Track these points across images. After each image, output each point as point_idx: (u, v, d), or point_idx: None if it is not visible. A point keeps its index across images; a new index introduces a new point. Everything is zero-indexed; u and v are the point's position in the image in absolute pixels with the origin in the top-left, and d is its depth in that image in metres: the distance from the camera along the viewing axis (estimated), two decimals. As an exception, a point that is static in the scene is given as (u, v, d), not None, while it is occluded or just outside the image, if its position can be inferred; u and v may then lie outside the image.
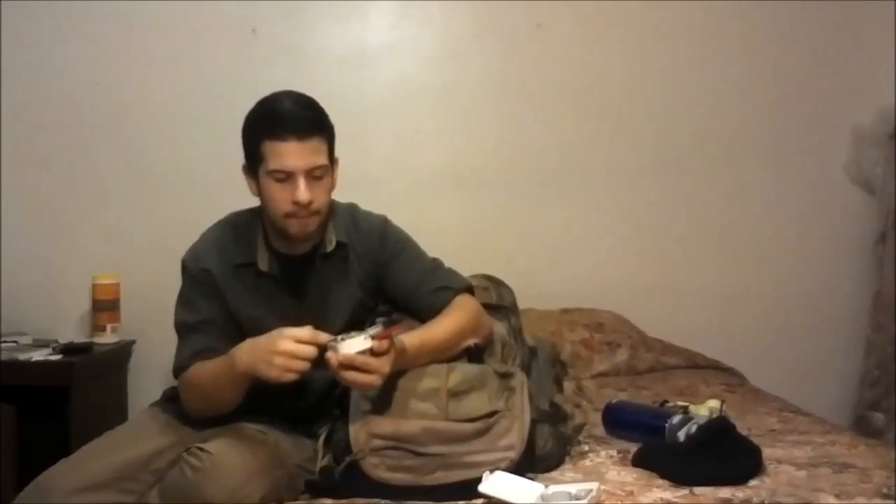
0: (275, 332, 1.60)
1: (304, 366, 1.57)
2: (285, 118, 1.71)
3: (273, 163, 1.71)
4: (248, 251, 1.83)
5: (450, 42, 3.00)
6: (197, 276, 1.82)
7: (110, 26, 2.87)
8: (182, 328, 1.83)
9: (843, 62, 3.04)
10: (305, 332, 1.59)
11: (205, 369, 1.73)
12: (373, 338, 1.57)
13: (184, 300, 1.85)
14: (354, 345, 1.56)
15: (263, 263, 1.82)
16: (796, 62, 3.04)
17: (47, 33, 2.86)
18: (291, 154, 1.69)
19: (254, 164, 1.76)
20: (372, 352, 1.57)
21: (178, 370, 1.79)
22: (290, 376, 1.57)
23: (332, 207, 1.87)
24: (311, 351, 1.57)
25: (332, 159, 1.79)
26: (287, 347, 1.56)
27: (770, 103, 3.05)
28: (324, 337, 1.59)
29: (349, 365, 1.56)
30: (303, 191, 1.70)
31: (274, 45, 2.91)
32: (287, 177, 1.71)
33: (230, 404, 1.71)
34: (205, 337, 1.79)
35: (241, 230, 1.86)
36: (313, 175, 1.72)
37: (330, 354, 1.57)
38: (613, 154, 3.02)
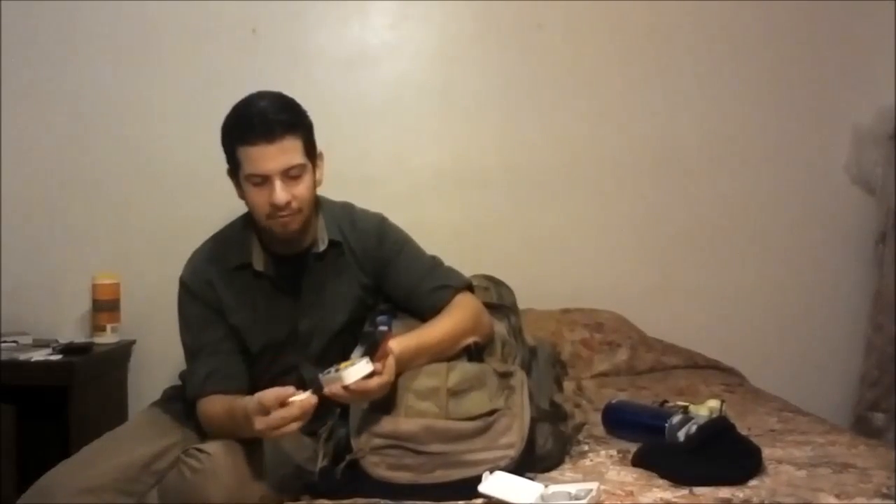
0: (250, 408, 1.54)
1: (294, 426, 1.52)
2: (253, 123, 1.71)
3: (248, 167, 1.72)
4: (243, 254, 1.83)
5: (450, 42, 2.99)
6: (199, 293, 1.82)
7: (110, 26, 2.87)
8: (189, 351, 1.83)
9: (843, 62, 3.04)
10: (269, 396, 1.53)
11: (216, 410, 1.70)
12: (370, 356, 1.56)
13: (188, 322, 1.84)
14: (356, 371, 1.53)
15: (259, 264, 1.82)
16: (796, 62, 3.04)
17: (47, 33, 2.86)
18: (263, 158, 1.70)
19: (234, 168, 1.77)
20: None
21: (194, 396, 1.78)
22: (289, 430, 1.53)
23: (324, 206, 1.87)
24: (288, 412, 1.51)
25: (313, 155, 1.79)
26: (262, 426, 1.52)
27: (770, 103, 3.04)
28: (288, 391, 1.53)
29: (363, 392, 1.54)
30: (279, 193, 1.71)
31: (274, 45, 2.90)
32: (263, 180, 1.72)
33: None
34: (213, 359, 1.78)
35: (233, 238, 1.87)
36: (289, 175, 1.72)
37: (334, 388, 1.53)
38: (613, 154, 3.02)
